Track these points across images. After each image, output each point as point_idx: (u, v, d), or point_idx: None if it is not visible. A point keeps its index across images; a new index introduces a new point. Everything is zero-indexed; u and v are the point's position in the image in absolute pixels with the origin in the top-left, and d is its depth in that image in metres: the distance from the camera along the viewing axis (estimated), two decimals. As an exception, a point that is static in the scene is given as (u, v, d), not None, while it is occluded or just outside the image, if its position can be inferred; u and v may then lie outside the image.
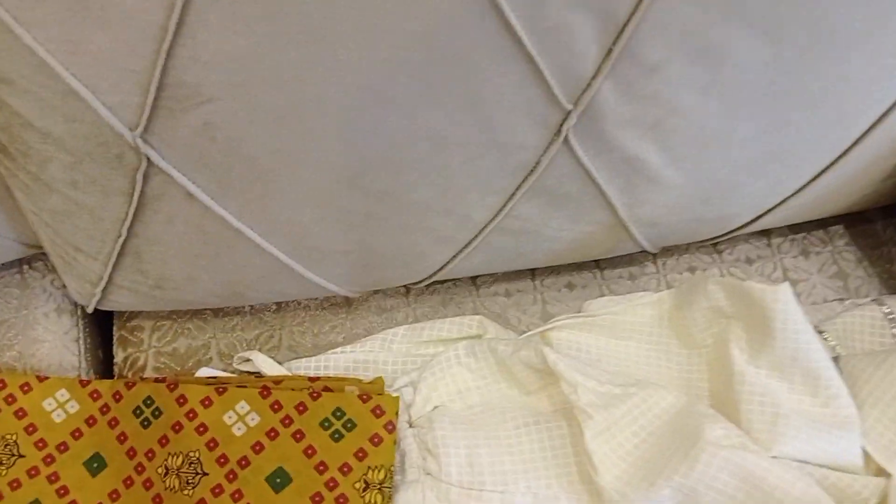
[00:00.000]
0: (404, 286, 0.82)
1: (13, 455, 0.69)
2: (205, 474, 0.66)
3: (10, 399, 0.72)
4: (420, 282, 0.78)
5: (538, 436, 0.69)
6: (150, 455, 0.69)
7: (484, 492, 0.67)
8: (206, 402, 0.69)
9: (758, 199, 0.74)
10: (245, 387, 0.71)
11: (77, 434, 0.71)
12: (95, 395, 0.72)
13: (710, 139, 0.65)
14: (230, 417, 0.68)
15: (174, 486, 0.66)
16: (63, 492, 0.68)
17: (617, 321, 0.75)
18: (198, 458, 0.67)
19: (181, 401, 0.69)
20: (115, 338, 0.83)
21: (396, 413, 0.68)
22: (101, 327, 0.86)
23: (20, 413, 0.71)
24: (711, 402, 0.71)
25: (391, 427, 0.67)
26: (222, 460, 0.66)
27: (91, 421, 0.71)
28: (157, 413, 0.70)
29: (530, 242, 0.74)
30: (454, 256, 0.73)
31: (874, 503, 0.62)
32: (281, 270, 0.72)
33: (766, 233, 0.84)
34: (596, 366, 0.72)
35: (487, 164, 0.64)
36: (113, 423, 0.71)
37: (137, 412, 0.70)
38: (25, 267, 0.83)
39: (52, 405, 0.72)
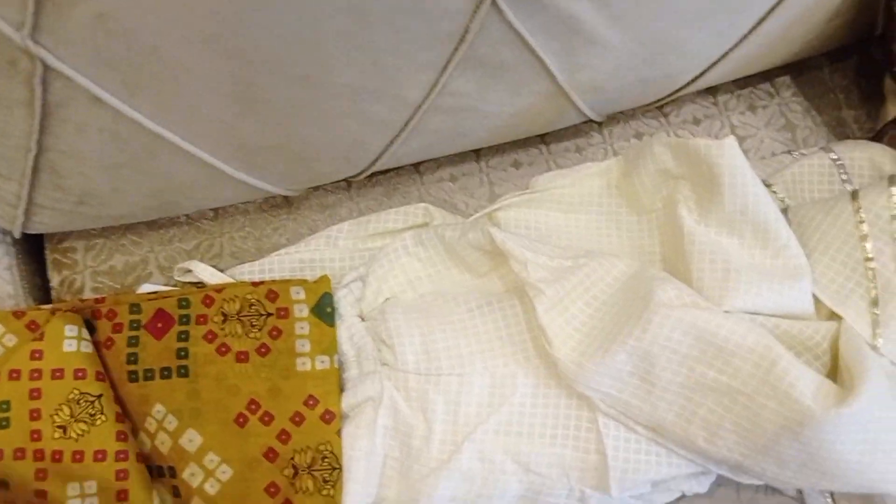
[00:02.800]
0: (344, 180, 0.78)
1: None
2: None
3: None
4: (360, 173, 0.75)
5: (492, 316, 0.69)
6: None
7: (441, 376, 0.66)
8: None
9: (701, 54, 0.71)
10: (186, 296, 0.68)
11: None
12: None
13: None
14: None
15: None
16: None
17: (565, 195, 0.73)
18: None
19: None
20: (48, 261, 0.79)
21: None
22: (36, 253, 0.82)
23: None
24: (664, 265, 0.71)
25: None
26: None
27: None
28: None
29: (470, 120, 0.70)
30: (391, 142, 0.70)
31: (826, 346, 0.63)
32: (211, 174, 0.68)
33: (711, 91, 0.82)
34: (546, 241, 0.70)
35: (414, 36, 0.60)
36: None
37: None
38: (-58, 197, 0.78)
39: None
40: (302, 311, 0.68)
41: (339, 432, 0.65)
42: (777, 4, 0.66)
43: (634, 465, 0.64)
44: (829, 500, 0.68)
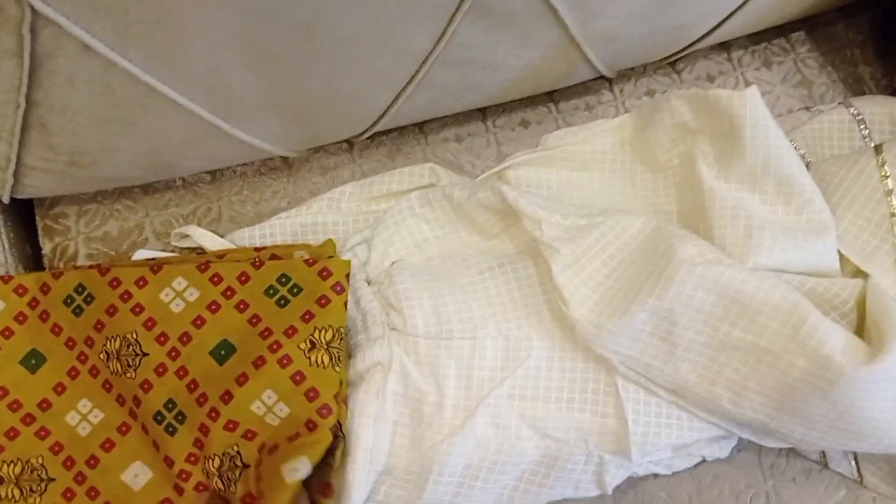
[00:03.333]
0: (346, 141, 0.75)
1: None
2: (145, 354, 0.61)
3: None
4: (362, 133, 0.72)
5: (504, 278, 0.66)
6: (89, 343, 0.64)
7: (453, 340, 0.63)
8: (141, 283, 0.64)
9: (715, 4, 0.68)
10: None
11: (7, 333, 0.65)
12: (21, 291, 0.66)
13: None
14: (167, 295, 0.63)
15: (118, 370, 0.62)
16: (2, 393, 0.63)
17: (576, 152, 0.70)
18: (136, 339, 0.62)
19: (114, 283, 0.64)
20: (39, 228, 0.76)
21: (347, 276, 0.63)
22: (26, 220, 0.78)
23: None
24: (681, 224, 0.68)
25: (340, 289, 0.62)
26: (162, 339, 0.62)
27: (20, 318, 0.66)
28: (88, 299, 0.64)
29: (478, 74, 0.67)
30: (396, 98, 0.67)
31: (852, 304, 0.61)
32: (207, 131, 0.65)
33: (725, 46, 0.79)
34: (559, 200, 0.68)
35: (421, -17, 0.57)
36: (44, 316, 0.65)
37: (68, 301, 0.65)
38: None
39: None
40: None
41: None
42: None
43: (655, 430, 0.61)
44: (854, 463, 0.66)
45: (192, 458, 0.60)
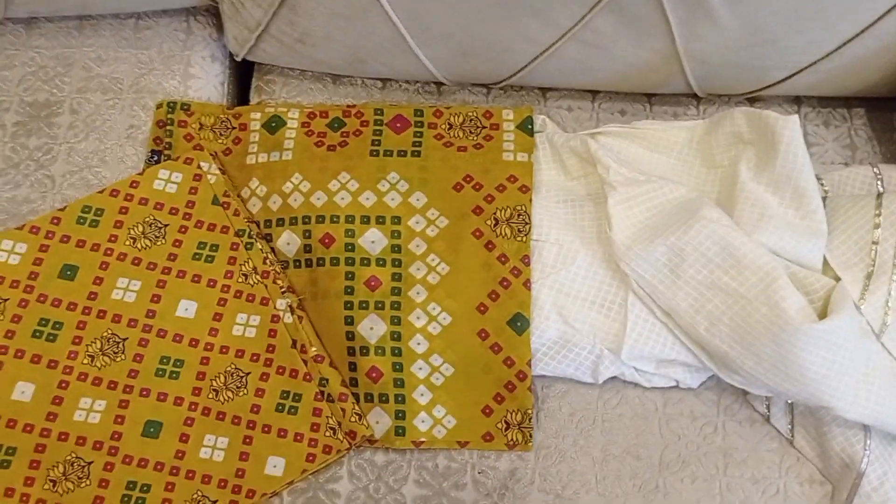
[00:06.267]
0: (485, 85, 0.99)
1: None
2: (165, 225, 0.92)
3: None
4: (501, 81, 0.96)
5: (571, 208, 0.88)
6: (113, 239, 0.90)
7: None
8: (133, 184, 0.93)
9: (794, 56, 0.89)
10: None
11: (38, 262, 0.87)
12: (35, 230, 0.89)
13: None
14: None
15: (146, 246, 0.90)
16: (56, 302, 0.87)
17: (655, 135, 0.92)
18: (154, 220, 0.92)
19: (114, 193, 0.92)
20: (252, 86, 1.03)
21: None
22: (242, 79, 1.06)
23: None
24: (715, 209, 0.89)
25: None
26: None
27: (44, 248, 0.88)
28: (99, 213, 0.91)
29: (599, 58, 0.90)
30: (535, 57, 0.91)
31: (822, 294, 0.80)
32: (397, 42, 0.90)
33: (797, 100, 0.99)
34: (627, 163, 0.90)
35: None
36: (65, 239, 0.89)
37: (81, 221, 0.90)
38: (191, 18, 1.03)
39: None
40: (509, 126, 0.92)
41: (531, 200, 0.87)
42: (866, 28, 0.83)
43: (645, 339, 0.82)
44: (790, 425, 0.84)
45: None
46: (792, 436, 0.83)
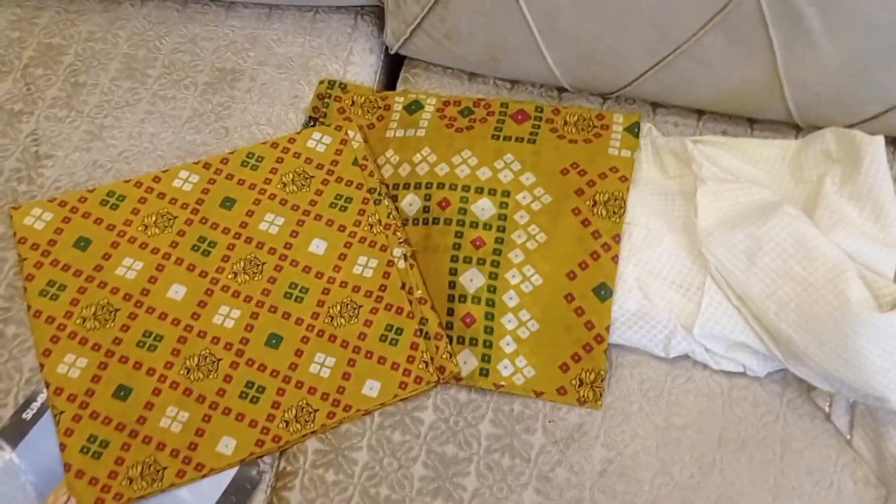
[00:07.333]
0: (602, 95, 1.11)
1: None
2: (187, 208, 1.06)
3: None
4: (617, 90, 1.08)
5: (664, 201, 0.98)
6: (135, 211, 1.04)
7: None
8: (156, 179, 1.07)
9: (887, 91, 0.96)
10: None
11: (59, 231, 1.01)
12: (62, 203, 1.03)
13: (862, 21, 0.89)
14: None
15: (161, 230, 1.03)
16: (64, 267, 0.99)
17: (751, 148, 1.01)
18: (166, 213, 1.04)
19: (138, 185, 1.06)
20: (399, 77, 1.20)
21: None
22: (391, 71, 1.23)
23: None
24: (799, 219, 0.96)
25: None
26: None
27: (66, 220, 1.02)
28: (120, 198, 1.04)
29: (705, 76, 1.00)
30: (649, 69, 1.02)
31: (889, 300, 0.85)
32: (529, 45, 1.04)
33: (893, 141, 1.05)
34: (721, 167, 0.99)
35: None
36: (86, 215, 1.02)
37: (104, 203, 1.04)
38: (359, 16, 1.22)
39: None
40: (618, 127, 1.04)
41: (628, 189, 0.98)
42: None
43: (717, 319, 0.90)
44: (849, 425, 0.88)
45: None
46: (850, 435, 0.88)
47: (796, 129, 1.07)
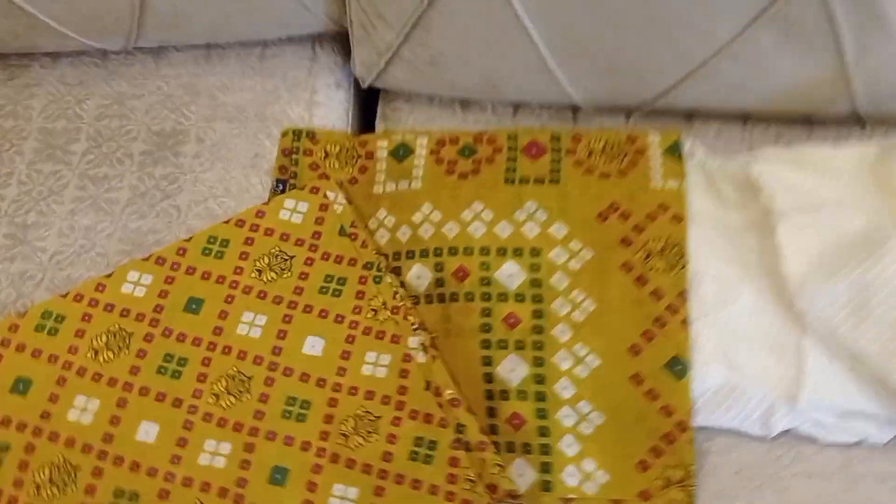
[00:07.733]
0: (626, 110, 0.93)
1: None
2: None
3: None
4: (644, 104, 0.90)
5: (728, 239, 0.81)
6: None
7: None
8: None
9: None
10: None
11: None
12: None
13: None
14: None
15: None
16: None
17: (823, 158, 0.83)
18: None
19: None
20: (378, 114, 1.00)
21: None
22: (367, 107, 1.03)
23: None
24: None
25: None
26: None
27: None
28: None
29: (754, 77, 0.83)
30: (685, 77, 0.84)
31: None
32: (534, 63, 0.85)
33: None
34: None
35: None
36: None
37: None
38: (317, 45, 1.02)
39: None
40: (656, 150, 0.86)
41: (685, 230, 0.81)
42: None
43: (826, 386, 0.73)
44: None
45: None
46: None
47: (861, 123, 0.90)
